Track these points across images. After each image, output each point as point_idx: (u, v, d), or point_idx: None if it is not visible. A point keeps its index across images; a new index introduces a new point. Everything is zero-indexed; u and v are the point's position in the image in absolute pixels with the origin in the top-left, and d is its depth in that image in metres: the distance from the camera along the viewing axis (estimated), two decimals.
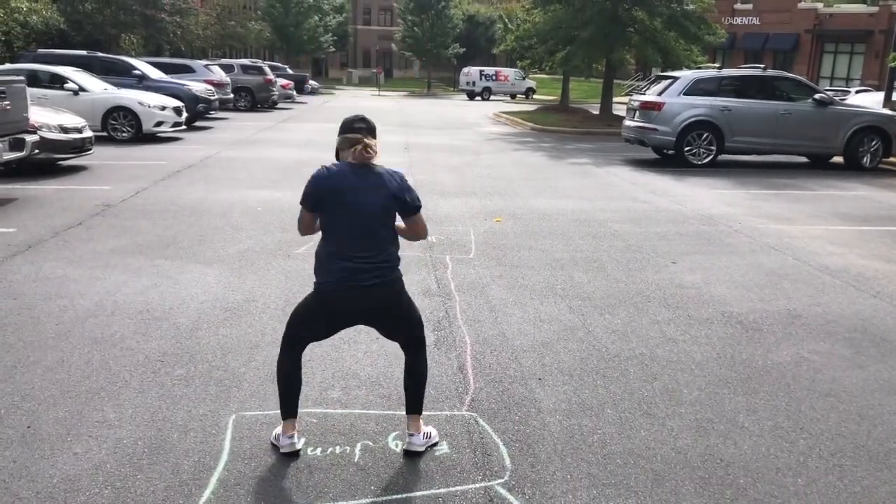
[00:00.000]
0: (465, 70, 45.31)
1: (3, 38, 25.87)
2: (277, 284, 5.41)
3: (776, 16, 40.65)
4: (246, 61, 29.05)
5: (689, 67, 20.50)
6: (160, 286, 5.26)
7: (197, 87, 18.24)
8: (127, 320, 4.56)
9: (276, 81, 27.30)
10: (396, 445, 3.15)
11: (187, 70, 21.19)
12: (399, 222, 2.99)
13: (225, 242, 6.62)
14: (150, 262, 5.86)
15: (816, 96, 13.38)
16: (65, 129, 10.16)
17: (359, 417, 3.40)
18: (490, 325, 4.69)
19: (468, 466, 3.01)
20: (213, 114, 20.12)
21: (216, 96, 19.40)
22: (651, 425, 3.41)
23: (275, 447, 3.08)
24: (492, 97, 43.93)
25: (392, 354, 3.97)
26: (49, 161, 10.07)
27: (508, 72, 45.37)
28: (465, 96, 44.79)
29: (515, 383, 3.82)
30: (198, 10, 39.45)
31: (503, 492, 2.84)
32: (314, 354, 3.93)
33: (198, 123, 18.37)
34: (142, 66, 18.00)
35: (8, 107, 8.33)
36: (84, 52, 18.10)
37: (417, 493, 2.82)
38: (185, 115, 15.43)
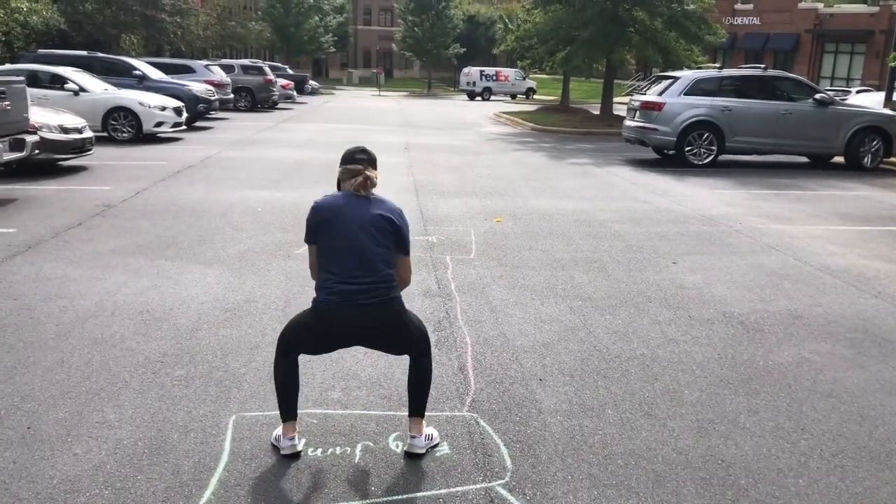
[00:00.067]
0: (466, 70, 45.32)
1: (3, 39, 25.89)
2: (278, 285, 5.40)
3: (776, 16, 40.67)
4: (246, 61, 29.08)
5: (689, 67, 20.50)
6: (160, 287, 5.26)
7: (197, 87, 18.24)
8: (127, 321, 4.55)
9: (276, 82, 27.30)
10: (397, 446, 3.14)
11: (187, 70, 21.20)
12: None
13: (225, 243, 6.61)
14: (150, 263, 5.86)
15: (817, 96, 13.38)
16: (65, 130, 10.16)
17: (359, 418, 3.39)
18: (491, 326, 4.68)
19: (469, 467, 3.00)
20: (214, 114, 20.13)
21: (216, 96, 19.40)
22: (652, 426, 3.40)
23: (275, 448, 3.08)
24: (492, 97, 43.94)
25: (392, 355, 3.96)
26: (49, 161, 10.07)
27: (509, 72, 45.38)
28: (465, 96, 44.79)
29: (516, 384, 3.81)
30: (198, 10, 39.49)
31: (504, 493, 2.83)
32: (315, 355, 3.92)
33: (198, 124, 18.37)
34: (142, 66, 18.01)
35: (8, 107, 8.33)
36: (84, 53, 18.12)
37: (418, 494, 2.81)
38: (185, 115, 15.43)
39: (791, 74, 16.30)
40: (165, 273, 5.60)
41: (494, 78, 44.76)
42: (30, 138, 8.84)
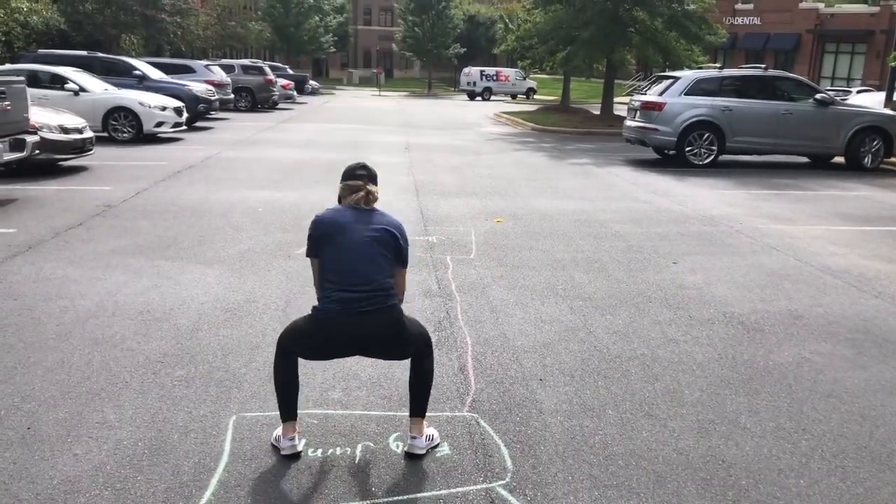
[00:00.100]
0: (466, 70, 45.32)
1: (3, 39, 25.90)
2: (278, 285, 5.40)
3: (777, 16, 40.67)
4: (246, 61, 29.08)
5: (689, 67, 20.51)
6: (161, 287, 5.25)
7: (197, 87, 18.24)
8: (127, 321, 4.55)
9: (276, 82, 27.30)
10: (397, 447, 3.14)
11: (188, 70, 21.20)
12: None
13: (225, 243, 6.61)
14: (150, 263, 5.86)
15: (817, 96, 13.37)
16: (65, 130, 10.16)
17: (360, 418, 3.39)
18: (491, 326, 4.68)
19: (469, 468, 3.00)
20: (214, 114, 20.13)
21: (216, 96, 19.40)
22: (653, 426, 3.40)
23: (275, 448, 3.08)
24: (492, 97, 43.94)
25: None
26: (49, 161, 10.07)
27: (509, 72, 45.38)
28: (465, 96, 44.79)
29: (516, 384, 3.81)
30: (198, 10, 39.48)
31: (504, 493, 2.83)
32: None
33: (198, 124, 18.37)
34: (142, 66, 18.00)
35: (8, 107, 8.33)
36: (84, 53, 18.11)
37: (418, 495, 2.81)
38: (185, 115, 15.42)
39: (791, 74, 16.29)
40: (166, 273, 5.60)
41: (495, 78, 44.75)
42: (30, 138, 8.84)
